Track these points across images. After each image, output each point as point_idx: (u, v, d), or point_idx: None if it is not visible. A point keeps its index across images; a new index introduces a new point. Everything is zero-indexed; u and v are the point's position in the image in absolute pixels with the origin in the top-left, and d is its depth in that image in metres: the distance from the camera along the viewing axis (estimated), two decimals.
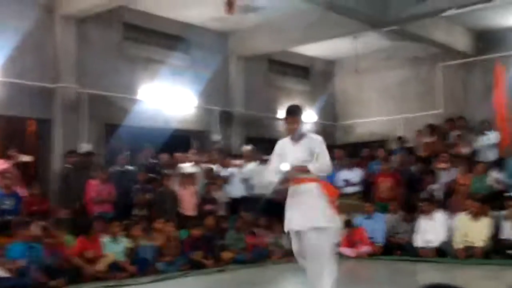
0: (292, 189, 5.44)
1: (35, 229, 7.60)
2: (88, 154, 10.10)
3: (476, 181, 10.40)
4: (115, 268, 7.99)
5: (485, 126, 11.84)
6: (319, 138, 5.56)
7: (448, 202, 10.48)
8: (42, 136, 10.51)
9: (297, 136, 5.46)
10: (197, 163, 11.16)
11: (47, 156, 10.26)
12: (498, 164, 10.51)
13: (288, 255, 9.78)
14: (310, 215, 5.25)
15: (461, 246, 9.12)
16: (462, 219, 9.42)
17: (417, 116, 14.08)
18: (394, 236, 10.21)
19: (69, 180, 9.55)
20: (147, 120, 11.40)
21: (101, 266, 7.85)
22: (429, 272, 8.30)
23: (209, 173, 10.97)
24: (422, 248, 9.48)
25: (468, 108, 13.40)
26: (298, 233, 5.34)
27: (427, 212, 9.66)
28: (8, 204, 8.36)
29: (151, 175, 10.28)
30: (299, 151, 5.40)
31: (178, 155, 11.24)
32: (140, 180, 9.94)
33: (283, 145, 5.53)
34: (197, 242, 9.16)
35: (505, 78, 11.79)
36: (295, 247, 5.45)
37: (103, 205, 9.47)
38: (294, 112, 5.50)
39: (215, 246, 9.50)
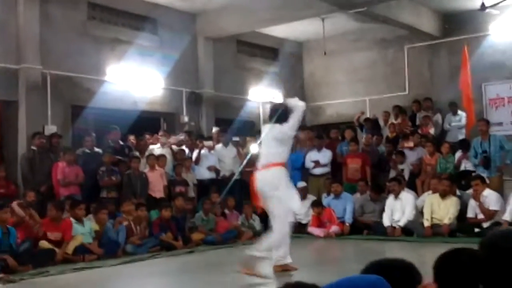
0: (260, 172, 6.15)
1: (18, 211, 7.50)
2: (54, 136, 9.90)
3: (442, 161, 10.57)
4: (82, 250, 7.89)
5: (454, 107, 12.03)
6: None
7: (415, 181, 10.64)
8: (6, 118, 10.24)
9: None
10: (165, 145, 11.06)
11: (12, 138, 10.02)
12: (464, 144, 10.67)
13: (258, 236, 9.84)
14: None
15: (428, 224, 9.25)
16: (430, 198, 9.55)
17: (384, 97, 14.18)
18: (362, 216, 10.32)
19: (35, 163, 9.36)
20: (114, 102, 11.21)
21: (69, 248, 7.74)
22: (396, 251, 8.41)
23: (179, 154, 10.90)
24: (390, 227, 9.60)
25: (434, 90, 13.55)
26: None
27: (395, 192, 9.77)
28: None
29: (119, 157, 10.15)
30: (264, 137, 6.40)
31: (147, 137, 11.13)
32: (106, 163, 9.79)
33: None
34: (167, 224, 9.10)
35: (470, 60, 11.94)
36: None
37: (70, 187, 9.32)
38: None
39: (184, 227, 9.46)
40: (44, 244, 7.63)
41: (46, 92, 10.20)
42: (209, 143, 11.24)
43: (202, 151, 11.10)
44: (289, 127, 6.29)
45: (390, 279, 1.96)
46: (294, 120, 6.29)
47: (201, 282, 6.30)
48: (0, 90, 9.77)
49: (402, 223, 9.55)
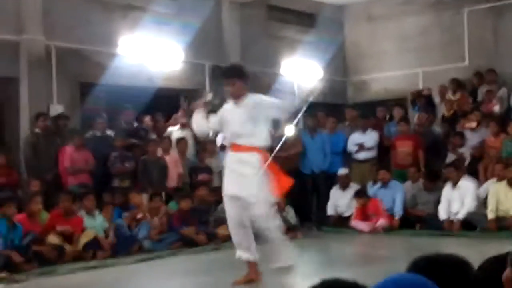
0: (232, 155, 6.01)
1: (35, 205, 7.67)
2: (60, 117, 10.03)
3: (508, 144, 10.39)
4: (93, 246, 8.02)
5: None
6: (260, 97, 6.13)
7: (477, 167, 10.50)
8: (6, 97, 10.42)
9: (238, 99, 6.00)
10: (185, 126, 11.12)
11: (13, 120, 10.19)
12: None
13: (293, 230, 9.87)
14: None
15: (492, 216, 9.14)
16: (495, 186, 9.44)
17: (439, 69, 13.98)
18: (414, 208, 10.25)
19: (39, 148, 9.50)
20: (128, 78, 11.29)
21: (80, 244, 7.88)
22: (453, 248, 8.33)
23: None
24: (447, 220, 9.52)
25: (499, 60, 13.30)
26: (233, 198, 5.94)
27: (452, 180, 9.66)
28: None
29: (133, 140, 10.24)
30: (238, 113, 5.95)
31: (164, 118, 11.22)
32: (118, 147, 9.87)
33: (227, 107, 6.16)
34: (187, 216, 9.17)
35: None
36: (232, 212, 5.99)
37: (80, 175, 9.45)
38: (229, 73, 6.14)
39: (208, 221, 9.52)
40: (52, 239, 7.77)
41: (51, 67, 10.33)
42: None
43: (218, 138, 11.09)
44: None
45: (439, 277, 1.94)
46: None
47: (228, 283, 6.34)
48: None
49: (461, 215, 9.45)
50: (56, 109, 10.25)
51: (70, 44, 10.57)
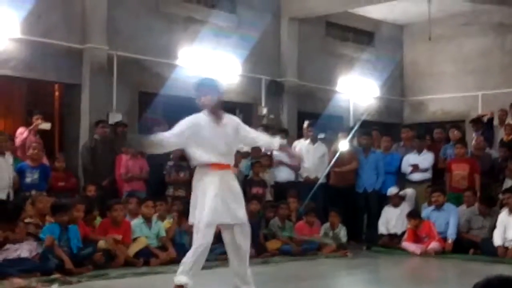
0: (219, 173, 5.44)
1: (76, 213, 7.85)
2: (119, 125, 10.27)
3: None
4: (146, 254, 8.15)
5: None
6: (236, 118, 5.90)
7: None
8: (68, 103, 10.73)
9: (218, 115, 5.60)
10: None
11: (74, 125, 10.48)
12: None
13: (343, 249, 9.83)
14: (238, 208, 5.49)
15: None
16: None
17: (500, 93, 13.76)
18: (468, 232, 10.07)
19: (97, 154, 9.75)
20: (186, 89, 11.34)
21: (131, 251, 8.02)
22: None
23: (255, 151, 10.99)
24: (501, 247, 9.32)
25: None
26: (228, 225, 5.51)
27: (510, 206, 9.47)
28: (30, 177, 8.60)
29: None
30: (224, 132, 5.54)
31: None
32: (174, 157, 10.05)
33: (202, 121, 5.54)
34: None
35: None
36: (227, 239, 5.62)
37: (134, 182, 9.64)
38: (201, 86, 5.79)
39: (258, 234, 9.56)
40: (102, 244, 7.92)
41: (112, 75, 10.61)
42: (283, 141, 11.24)
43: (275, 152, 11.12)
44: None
45: None
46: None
47: None
48: (62, 72, 10.24)
49: None
50: (115, 117, 10.50)
51: (131, 53, 10.83)
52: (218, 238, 9.03)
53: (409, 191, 10.89)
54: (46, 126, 9.49)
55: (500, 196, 10.00)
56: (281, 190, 10.94)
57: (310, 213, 10.14)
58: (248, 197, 10.12)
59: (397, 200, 10.70)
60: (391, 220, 10.68)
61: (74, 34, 10.29)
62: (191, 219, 5.54)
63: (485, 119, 12.57)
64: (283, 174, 11.14)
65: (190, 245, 5.71)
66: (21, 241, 7.10)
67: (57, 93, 11.29)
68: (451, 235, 9.95)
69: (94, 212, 8.41)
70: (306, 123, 11.76)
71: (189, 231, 8.75)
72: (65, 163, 9.61)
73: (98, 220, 8.50)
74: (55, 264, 7.03)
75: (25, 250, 7.02)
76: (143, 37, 11.04)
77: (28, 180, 8.62)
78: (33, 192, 8.35)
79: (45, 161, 9.04)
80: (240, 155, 10.76)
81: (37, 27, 9.82)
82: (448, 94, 14.84)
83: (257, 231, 9.58)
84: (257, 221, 9.73)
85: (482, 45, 14.54)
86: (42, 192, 8.42)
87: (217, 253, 8.84)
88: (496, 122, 12.60)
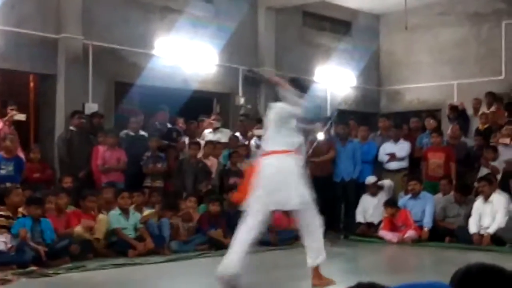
0: None
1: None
2: (95, 115, 10.20)
3: None
4: (124, 245, 8.13)
5: None
6: None
7: (509, 182, 10.39)
8: (43, 94, 10.62)
9: None
10: (217, 130, 11.21)
11: (49, 116, 10.39)
12: None
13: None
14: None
15: None
16: None
17: (475, 82, 13.88)
18: (443, 220, 10.18)
19: (73, 145, 9.68)
20: (163, 79, 11.44)
21: (100, 231, 8.01)
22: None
23: (233, 141, 11.00)
24: (476, 234, 9.43)
25: None
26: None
27: (485, 194, 9.58)
28: (5, 169, 8.51)
29: (167, 142, 10.35)
30: None
31: (204, 120, 11.32)
32: (152, 148, 10.01)
33: None
34: (216, 219, 9.23)
35: None
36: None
37: (111, 174, 9.59)
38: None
39: (236, 224, 9.57)
40: (79, 231, 7.89)
41: (88, 66, 10.52)
42: (259, 131, 11.27)
43: (252, 142, 11.15)
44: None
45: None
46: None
47: (253, 286, 6.38)
48: (37, 62, 10.13)
49: (491, 230, 9.36)
50: (91, 107, 10.43)
51: (107, 43, 10.75)
52: (198, 230, 9.10)
53: (386, 183, 10.95)
54: (21, 117, 9.39)
55: (476, 184, 10.11)
56: None
57: None
58: (226, 188, 10.16)
59: (375, 189, 10.78)
60: (369, 209, 10.76)
61: (48, 23, 10.18)
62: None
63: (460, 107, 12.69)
64: None
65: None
66: None
67: (32, 84, 11.17)
68: (427, 223, 10.04)
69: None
70: None
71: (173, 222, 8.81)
72: (40, 155, 9.52)
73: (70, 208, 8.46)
74: (32, 257, 6.98)
75: None
76: (119, 27, 10.96)
77: (2, 172, 8.52)
78: (8, 185, 8.25)
79: (20, 152, 8.94)
80: (221, 145, 10.77)
81: (11, 17, 9.69)
82: (424, 83, 14.94)
83: (235, 221, 9.59)
84: (236, 211, 9.73)
85: (458, 35, 14.64)
86: (16, 184, 8.34)
87: (196, 243, 8.89)
88: (470, 111, 12.73)
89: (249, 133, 11.38)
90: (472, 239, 9.43)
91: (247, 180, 6.01)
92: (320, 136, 11.04)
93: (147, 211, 8.83)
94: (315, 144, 10.87)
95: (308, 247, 6.02)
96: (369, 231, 10.54)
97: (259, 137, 11.14)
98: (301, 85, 6.32)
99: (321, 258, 6.00)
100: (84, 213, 8.25)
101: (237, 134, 11.52)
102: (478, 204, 9.65)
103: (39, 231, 7.42)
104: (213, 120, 11.35)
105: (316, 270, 6.00)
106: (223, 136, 11.20)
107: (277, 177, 5.77)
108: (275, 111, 6.05)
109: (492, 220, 9.42)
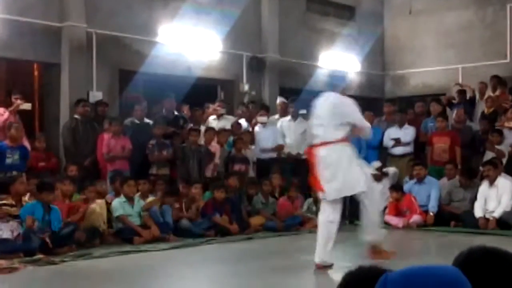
0: None
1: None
2: (100, 104, 10.20)
3: None
4: (130, 233, 8.17)
5: None
6: None
7: None
8: (47, 83, 10.63)
9: None
10: (222, 116, 11.21)
11: (54, 105, 10.40)
12: None
13: None
14: None
15: None
16: None
17: (480, 66, 13.82)
18: (449, 205, 10.17)
19: (78, 133, 9.68)
20: (167, 67, 11.42)
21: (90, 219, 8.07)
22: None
23: (235, 128, 10.98)
24: (482, 218, 9.43)
25: None
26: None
27: (490, 178, 9.56)
28: (11, 157, 8.54)
29: (173, 129, 10.33)
30: None
31: (210, 106, 11.32)
32: (157, 135, 9.99)
33: None
34: (221, 206, 9.25)
35: None
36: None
37: (116, 162, 9.60)
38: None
39: (240, 209, 9.62)
40: (96, 208, 7.95)
41: (92, 54, 10.51)
42: (263, 118, 11.24)
43: (256, 128, 11.14)
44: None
45: (491, 272, 1.91)
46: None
47: (260, 272, 6.40)
48: (41, 51, 10.12)
49: (497, 214, 9.36)
50: (96, 95, 10.43)
51: (111, 31, 10.73)
52: (202, 215, 9.12)
53: (391, 170, 10.93)
54: (27, 106, 9.41)
55: (481, 168, 10.09)
56: (264, 166, 10.97)
57: (292, 189, 10.18)
58: (231, 174, 10.18)
59: (380, 175, 10.75)
60: None
61: (51, 12, 10.16)
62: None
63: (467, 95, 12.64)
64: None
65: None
66: (1, 222, 7.07)
67: (36, 73, 11.18)
68: (432, 208, 10.04)
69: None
70: (280, 100, 11.84)
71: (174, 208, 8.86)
72: (45, 143, 9.55)
73: (76, 197, 8.50)
74: (38, 245, 7.02)
75: (6, 230, 6.99)
76: (123, 15, 10.93)
77: (8, 160, 8.55)
78: (14, 173, 8.29)
79: (25, 141, 8.96)
80: (226, 133, 10.78)
81: (13, 6, 9.67)
82: (429, 67, 14.88)
83: (238, 206, 9.64)
84: (237, 196, 9.78)
85: (462, 18, 14.56)
86: (21, 173, 8.37)
87: (203, 227, 8.91)
88: (477, 95, 12.68)
89: (253, 120, 11.38)
90: (478, 223, 9.43)
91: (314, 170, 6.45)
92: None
93: (150, 198, 8.86)
94: None
95: (365, 225, 6.61)
96: None
97: (263, 123, 11.16)
98: None
99: (376, 236, 6.63)
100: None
101: (242, 120, 11.51)
102: (483, 188, 9.64)
103: (47, 221, 7.44)
104: (218, 107, 11.33)
105: (373, 246, 6.63)
106: (227, 123, 11.18)
107: (343, 165, 6.35)
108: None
109: (498, 204, 9.42)
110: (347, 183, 6.33)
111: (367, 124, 6.89)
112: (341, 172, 6.31)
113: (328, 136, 6.34)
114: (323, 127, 6.40)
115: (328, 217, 6.36)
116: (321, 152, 6.33)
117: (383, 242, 6.78)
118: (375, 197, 6.75)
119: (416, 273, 1.76)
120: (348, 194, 6.70)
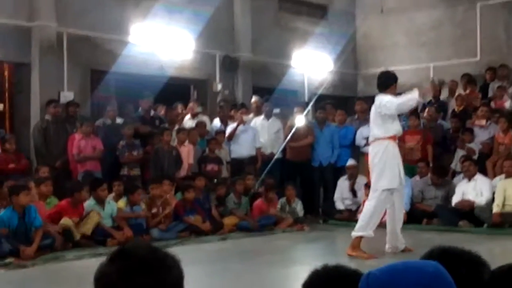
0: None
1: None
2: (71, 104, 10.09)
3: None
4: (103, 234, 8.09)
5: None
6: None
7: (485, 164, 10.49)
8: (17, 83, 10.48)
9: None
10: (195, 116, 11.17)
11: (24, 106, 10.26)
12: None
13: (300, 223, 9.91)
14: None
15: (497, 210, 9.16)
16: (503, 183, 9.43)
17: (451, 64, 13.95)
18: (421, 202, 10.25)
19: (49, 134, 9.57)
20: (139, 66, 11.33)
21: (87, 228, 7.94)
22: (460, 243, 8.33)
23: (199, 128, 10.87)
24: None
25: (510, 56, 13.26)
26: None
27: (469, 173, 9.63)
28: None
29: (150, 129, 10.25)
30: None
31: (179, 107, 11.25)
32: (127, 135, 9.86)
33: None
34: (191, 206, 9.22)
35: None
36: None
37: (87, 163, 9.50)
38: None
39: (210, 208, 9.60)
40: (66, 221, 7.82)
41: (62, 54, 10.39)
42: (248, 117, 11.24)
43: (240, 127, 11.02)
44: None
45: (452, 272, 1.95)
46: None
47: (234, 272, 6.39)
48: (10, 51, 9.99)
49: (482, 202, 9.45)
50: (67, 96, 10.32)
51: (82, 31, 10.62)
52: (175, 217, 9.07)
53: None
54: None
55: (452, 166, 10.19)
56: (238, 166, 10.94)
57: (269, 190, 10.11)
58: (203, 174, 10.14)
59: (353, 173, 10.77)
60: (345, 192, 10.78)
61: (21, 11, 10.02)
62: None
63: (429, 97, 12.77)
64: (240, 150, 11.08)
65: None
66: None
67: (6, 73, 11.00)
68: (405, 205, 10.08)
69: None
70: (255, 99, 11.80)
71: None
72: (16, 145, 9.40)
73: (53, 200, 8.39)
74: (9, 249, 6.91)
75: None
76: (94, 13, 10.82)
77: None
78: None
79: None
80: (195, 132, 10.72)
81: None
82: (400, 66, 14.93)
83: (207, 205, 9.61)
84: (204, 196, 9.73)
85: (433, 17, 14.67)
86: None
87: (176, 231, 8.87)
88: (447, 93, 12.80)
89: (239, 119, 11.16)
90: (453, 218, 9.48)
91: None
92: (299, 121, 11.07)
93: (121, 200, 8.80)
94: (293, 129, 10.90)
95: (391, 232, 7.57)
96: (349, 216, 10.57)
97: (244, 123, 11.09)
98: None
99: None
100: (72, 207, 8.17)
101: (216, 120, 11.48)
102: (462, 183, 9.75)
103: (25, 222, 7.27)
104: (191, 106, 11.29)
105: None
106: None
107: (395, 160, 7.25)
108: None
109: (476, 196, 9.50)
110: None
111: None
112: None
113: None
114: None
115: None
116: None
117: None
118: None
119: (398, 269, 1.78)
120: None
